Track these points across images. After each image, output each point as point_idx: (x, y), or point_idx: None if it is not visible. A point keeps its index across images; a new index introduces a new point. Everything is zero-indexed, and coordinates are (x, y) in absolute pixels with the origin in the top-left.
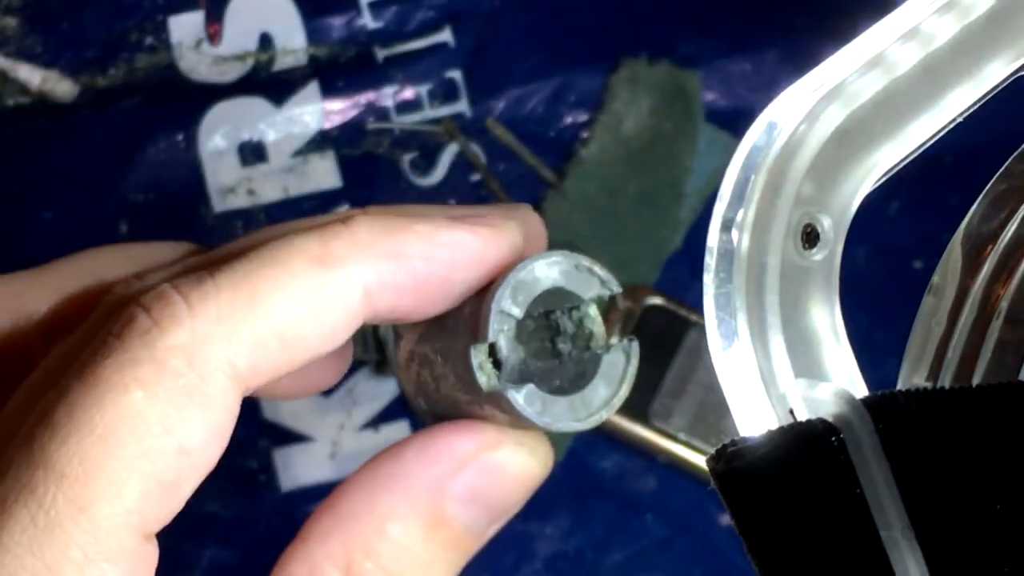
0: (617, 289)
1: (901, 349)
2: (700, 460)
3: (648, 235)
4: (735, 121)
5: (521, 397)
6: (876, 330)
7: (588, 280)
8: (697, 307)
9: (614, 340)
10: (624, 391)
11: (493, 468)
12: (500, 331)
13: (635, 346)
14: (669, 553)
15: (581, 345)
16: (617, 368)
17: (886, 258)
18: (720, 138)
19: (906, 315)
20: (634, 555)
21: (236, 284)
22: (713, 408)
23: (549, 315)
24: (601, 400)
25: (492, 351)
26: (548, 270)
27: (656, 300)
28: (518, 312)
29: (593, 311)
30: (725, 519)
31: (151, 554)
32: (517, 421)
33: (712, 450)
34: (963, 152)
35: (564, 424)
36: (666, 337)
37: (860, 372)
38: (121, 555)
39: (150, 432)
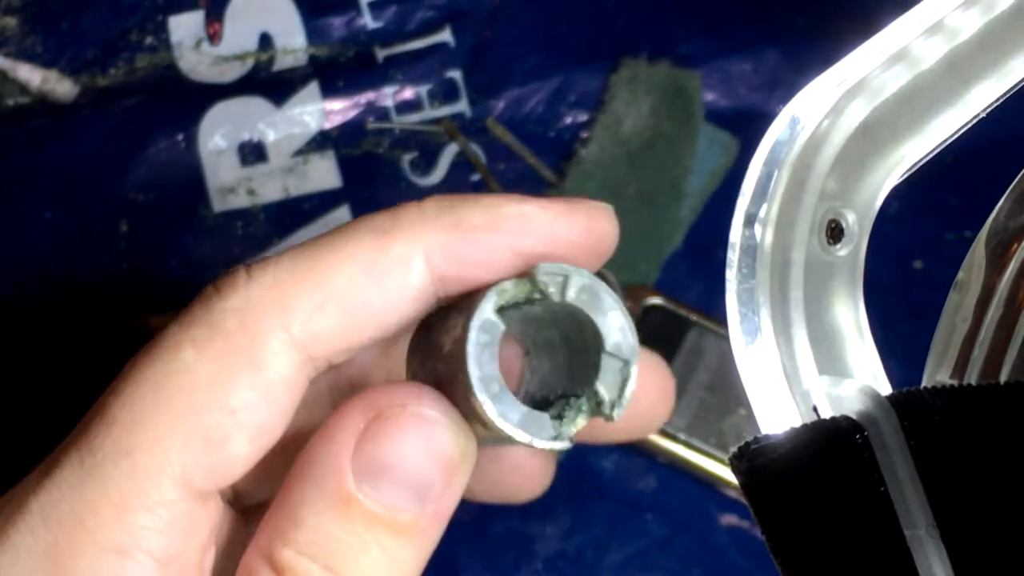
0: (618, 414)
1: (902, 350)
2: (700, 460)
3: (648, 235)
4: (735, 121)
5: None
6: (876, 330)
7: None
8: (697, 307)
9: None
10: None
11: (388, 439)
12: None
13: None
14: (669, 553)
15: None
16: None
17: (886, 258)
18: (720, 138)
19: (907, 315)
20: (634, 555)
21: (297, 255)
22: (713, 408)
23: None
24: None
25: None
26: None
27: (656, 300)
28: (554, 292)
29: (581, 418)
30: (725, 519)
31: (199, 515)
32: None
33: (713, 449)
34: (963, 153)
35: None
36: (666, 337)
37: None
38: (161, 505)
39: (197, 387)
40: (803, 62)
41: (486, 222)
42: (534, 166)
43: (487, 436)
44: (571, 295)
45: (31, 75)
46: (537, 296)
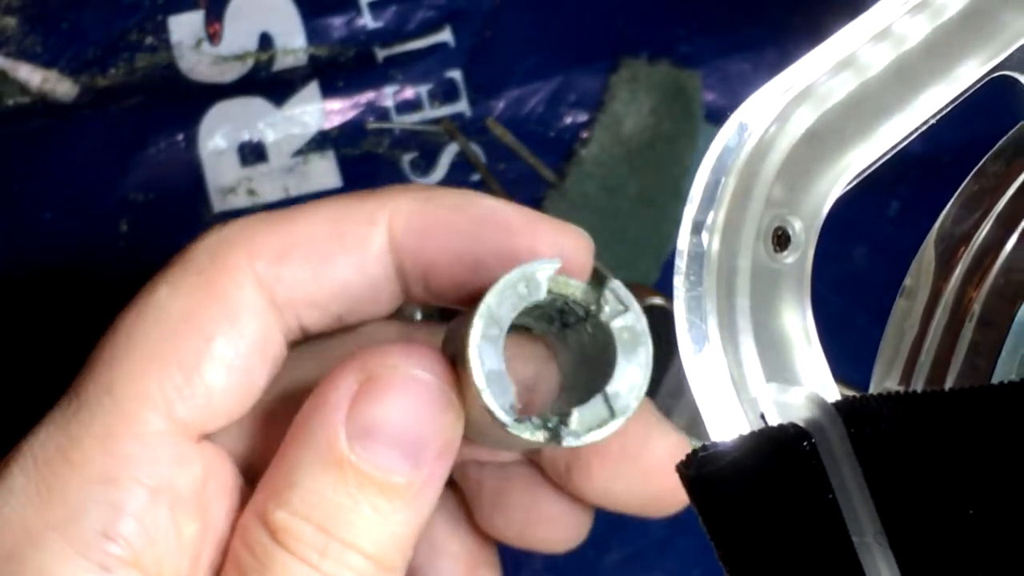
0: (568, 443)
1: None
2: None
3: (648, 235)
4: None
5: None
6: (876, 330)
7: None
8: None
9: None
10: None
11: (379, 400)
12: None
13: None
14: (669, 553)
15: (579, 314)
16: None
17: (886, 258)
18: None
19: None
20: (634, 555)
21: (271, 211)
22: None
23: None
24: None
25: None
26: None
27: (656, 300)
28: (608, 313)
29: (539, 433)
30: None
31: (188, 449)
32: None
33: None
34: (963, 152)
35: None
36: (666, 337)
37: (854, 372)
38: (146, 435)
39: (171, 319)
40: None
41: (455, 203)
42: (534, 166)
43: (469, 400)
44: (617, 325)
45: (31, 75)
46: (593, 308)
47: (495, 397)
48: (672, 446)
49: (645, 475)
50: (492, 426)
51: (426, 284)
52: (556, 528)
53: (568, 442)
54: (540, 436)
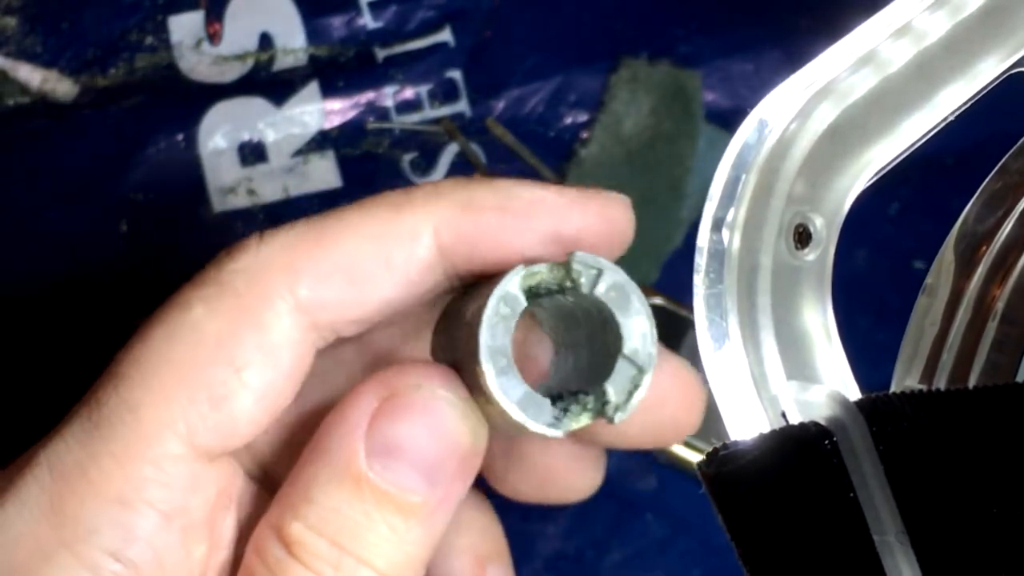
0: (620, 417)
1: None
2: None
3: (648, 235)
4: (735, 121)
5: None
6: (877, 331)
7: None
8: None
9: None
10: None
11: (400, 419)
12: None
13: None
14: (669, 553)
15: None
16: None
17: (886, 258)
18: (720, 138)
19: (907, 316)
20: (634, 555)
21: (310, 224)
22: (714, 408)
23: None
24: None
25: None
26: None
27: (656, 300)
28: (585, 283)
29: (585, 416)
30: None
31: (204, 473)
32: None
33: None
34: (964, 152)
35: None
36: (666, 337)
37: (856, 373)
38: (164, 459)
39: (204, 344)
40: (805, 62)
41: (498, 202)
42: (534, 166)
43: (496, 419)
44: (601, 290)
45: (31, 75)
46: (568, 284)
47: (536, 419)
48: (674, 370)
49: (653, 406)
50: (530, 433)
51: (470, 272)
52: (572, 477)
53: (619, 417)
54: (588, 420)
